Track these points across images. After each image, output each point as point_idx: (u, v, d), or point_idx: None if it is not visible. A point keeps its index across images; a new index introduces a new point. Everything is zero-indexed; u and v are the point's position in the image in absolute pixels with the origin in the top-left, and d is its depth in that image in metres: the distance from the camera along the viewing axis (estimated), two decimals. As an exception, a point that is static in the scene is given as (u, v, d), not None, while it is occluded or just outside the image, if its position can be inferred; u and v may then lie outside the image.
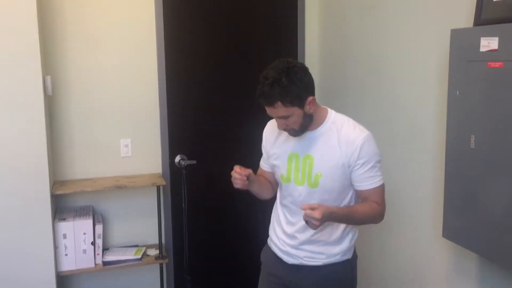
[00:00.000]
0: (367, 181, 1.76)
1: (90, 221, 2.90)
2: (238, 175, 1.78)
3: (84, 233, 2.89)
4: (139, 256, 3.05)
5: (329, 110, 1.84)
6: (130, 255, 3.05)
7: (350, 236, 1.90)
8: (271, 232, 2.01)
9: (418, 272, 2.51)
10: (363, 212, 1.78)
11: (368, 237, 2.91)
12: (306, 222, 1.61)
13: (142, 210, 3.22)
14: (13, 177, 2.64)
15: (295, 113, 1.67)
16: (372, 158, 1.75)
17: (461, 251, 2.14)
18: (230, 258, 3.48)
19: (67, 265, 2.88)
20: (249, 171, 1.82)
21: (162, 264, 3.18)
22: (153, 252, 3.13)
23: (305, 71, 1.69)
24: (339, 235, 1.86)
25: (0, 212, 2.64)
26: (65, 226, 2.84)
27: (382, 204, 1.81)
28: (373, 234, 2.87)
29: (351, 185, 1.80)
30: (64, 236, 2.85)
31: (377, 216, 1.82)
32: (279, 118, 1.70)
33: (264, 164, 2.01)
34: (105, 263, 2.98)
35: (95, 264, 2.95)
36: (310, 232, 1.81)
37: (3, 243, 2.67)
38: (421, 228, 2.44)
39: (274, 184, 2.02)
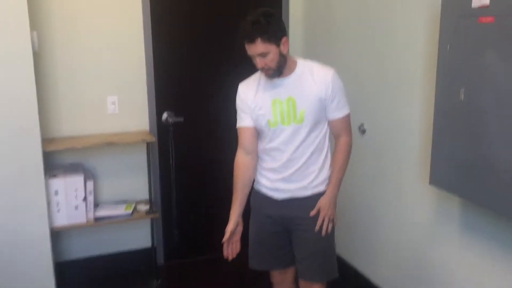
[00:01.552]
0: (339, 110, 2.05)
1: (81, 178, 2.93)
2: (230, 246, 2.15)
3: (76, 190, 2.92)
4: (130, 211, 3.11)
5: (297, 58, 2.09)
6: (121, 210, 3.11)
7: (328, 163, 2.12)
8: (258, 177, 2.17)
9: (403, 218, 2.67)
10: (340, 165, 2.11)
11: (355, 186, 3.05)
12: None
13: (131, 167, 3.26)
14: (4, 135, 2.64)
15: (272, 50, 1.92)
16: (340, 90, 2.05)
17: (445, 197, 2.30)
18: (217, 213, 3.56)
19: (60, 221, 2.92)
20: (228, 234, 2.11)
21: (152, 218, 3.25)
22: (143, 207, 3.20)
23: (279, 17, 2.02)
24: (320, 165, 2.09)
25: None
26: (56, 183, 2.86)
27: (349, 132, 2.13)
28: (360, 183, 3.02)
29: (325, 117, 2.07)
30: (56, 193, 2.87)
31: (348, 153, 2.13)
32: (258, 56, 1.93)
33: (244, 122, 2.10)
34: (97, 219, 3.03)
35: (87, 219, 2.99)
36: (295, 166, 2.05)
37: (-4, 200, 2.69)
38: (408, 176, 2.58)
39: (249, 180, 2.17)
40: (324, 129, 2.08)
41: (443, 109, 2.05)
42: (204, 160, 3.47)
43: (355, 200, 3.09)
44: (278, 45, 1.93)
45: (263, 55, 1.92)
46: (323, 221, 2.07)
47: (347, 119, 2.10)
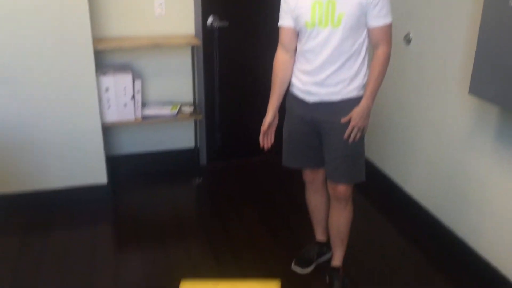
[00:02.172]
0: (380, 18, 1.99)
1: (130, 77, 3.07)
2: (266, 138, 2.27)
3: (125, 88, 3.07)
4: (175, 112, 3.26)
5: None
6: (167, 110, 3.26)
7: (363, 72, 2.09)
8: (292, 79, 2.22)
9: (439, 128, 2.70)
10: (376, 76, 2.06)
11: (396, 95, 3.07)
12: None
13: (176, 70, 3.36)
14: (57, 34, 2.76)
15: None
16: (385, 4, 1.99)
17: (484, 107, 2.30)
18: (259, 118, 3.69)
19: (110, 117, 3.11)
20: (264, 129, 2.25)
21: (196, 120, 3.40)
22: (188, 109, 3.34)
23: None
24: (354, 73, 2.06)
25: (47, 68, 2.81)
26: (107, 80, 3.02)
27: (389, 43, 2.05)
28: (402, 92, 3.03)
29: (365, 24, 2.02)
30: (107, 90, 3.04)
31: (386, 64, 2.07)
32: None
33: (285, 21, 2.13)
34: (144, 117, 3.20)
35: (135, 117, 3.17)
36: (328, 71, 2.06)
37: (54, 98, 2.89)
38: (448, 86, 2.58)
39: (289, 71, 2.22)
40: (362, 36, 2.04)
41: (491, 16, 2.00)
42: (248, 65, 3.53)
43: (394, 108, 3.11)
44: None
45: None
46: (352, 130, 2.09)
47: (387, 28, 2.03)
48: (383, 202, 3.20)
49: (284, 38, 2.15)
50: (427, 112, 2.79)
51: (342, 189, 2.20)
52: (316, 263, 2.55)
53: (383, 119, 3.23)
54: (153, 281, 2.45)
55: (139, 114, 3.18)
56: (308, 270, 2.52)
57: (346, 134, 2.09)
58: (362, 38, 2.04)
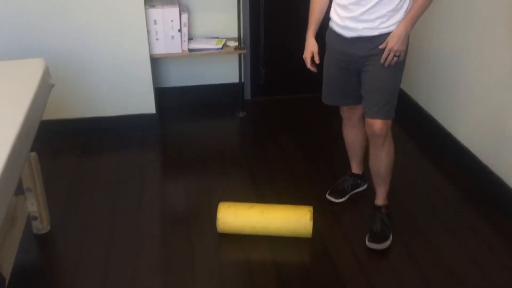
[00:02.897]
0: None
1: (177, 10, 3.16)
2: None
3: (172, 21, 3.16)
4: (220, 46, 3.34)
5: None
6: (212, 44, 3.35)
7: (404, 8, 2.03)
8: (331, 13, 2.20)
9: (487, 65, 2.66)
10: (422, 2, 1.97)
11: (441, 30, 3.01)
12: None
13: (222, 4, 3.41)
14: (108, -37, 2.87)
15: None
16: None
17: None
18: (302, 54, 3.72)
19: (158, 49, 3.23)
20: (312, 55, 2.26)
21: (240, 54, 3.48)
22: (233, 43, 3.41)
23: None
24: (393, 7, 2.01)
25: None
26: (155, 13, 3.12)
27: None
28: (446, 27, 2.97)
29: None
30: (155, 22, 3.14)
31: None
32: None
33: None
34: (191, 50, 3.30)
35: (182, 50, 3.28)
36: (365, 6, 2.02)
37: (106, 29, 3.03)
38: (494, 21, 2.51)
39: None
40: None
41: None
42: (293, 0, 3.52)
43: (438, 43, 3.07)
44: None
45: None
46: (388, 54, 2.05)
47: None
48: (423, 139, 3.22)
49: None
50: (474, 48, 2.73)
51: (378, 126, 2.18)
52: (350, 194, 2.64)
53: (426, 53, 3.18)
54: (194, 201, 2.63)
55: (185, 47, 3.28)
56: (341, 200, 2.62)
57: (382, 59, 2.06)
58: None
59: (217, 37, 3.47)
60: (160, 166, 3.02)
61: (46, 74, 2.08)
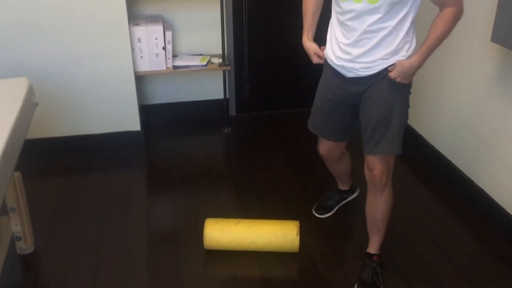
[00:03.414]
0: None
1: (161, 27, 3.17)
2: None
3: (156, 38, 3.18)
4: (205, 63, 3.36)
5: None
6: (197, 61, 3.37)
7: (406, 47, 1.86)
8: (327, 50, 2.02)
9: (462, 78, 2.71)
10: (439, 34, 1.79)
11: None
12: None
13: (206, 22, 3.44)
14: (92, -18, 2.88)
15: None
16: None
17: (507, 54, 2.30)
18: (288, 71, 3.76)
19: (143, 67, 3.24)
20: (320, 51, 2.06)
21: (225, 71, 3.50)
22: (217, 60, 3.43)
23: None
24: (393, 48, 1.83)
25: (84, 18, 2.94)
26: (139, 30, 3.13)
27: (457, 2, 1.75)
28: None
29: None
30: (139, 40, 3.16)
31: (452, 22, 1.78)
32: None
33: None
34: (175, 67, 3.32)
35: (167, 67, 3.29)
36: (364, 47, 1.84)
37: (90, 48, 3.03)
38: (469, 33, 2.57)
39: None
40: (405, 10, 1.77)
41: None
42: (276, 17, 3.57)
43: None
44: None
45: None
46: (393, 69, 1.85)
47: None
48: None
49: None
50: (449, 61, 2.79)
51: (378, 169, 1.96)
52: (336, 208, 2.65)
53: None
54: (181, 219, 2.62)
55: (170, 64, 3.30)
56: (326, 215, 2.62)
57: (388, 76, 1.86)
58: (404, 12, 1.78)
59: (202, 54, 3.49)
60: (146, 184, 3.01)
61: (30, 93, 2.07)
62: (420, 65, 1.83)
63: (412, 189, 2.89)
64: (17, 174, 2.18)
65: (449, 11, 1.75)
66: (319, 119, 2.20)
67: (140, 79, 3.46)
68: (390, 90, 1.89)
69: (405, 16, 1.79)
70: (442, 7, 1.78)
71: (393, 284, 2.16)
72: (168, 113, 3.66)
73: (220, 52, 3.47)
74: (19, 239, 2.27)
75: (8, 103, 1.91)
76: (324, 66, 2.10)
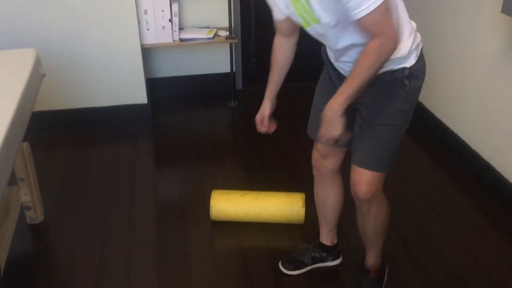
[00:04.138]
0: (355, 10, 1.42)
1: (167, -1, 3.15)
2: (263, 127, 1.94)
3: (162, 10, 3.16)
4: (211, 36, 3.34)
5: None
6: (203, 34, 3.35)
7: (414, 54, 1.61)
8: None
9: (472, 50, 2.68)
10: (357, 72, 1.52)
11: (428, 23, 3.03)
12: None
13: (213, -7, 3.42)
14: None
15: None
16: None
17: (517, 28, 2.27)
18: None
19: (149, 39, 3.23)
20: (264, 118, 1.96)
21: (231, 44, 3.48)
22: (224, 33, 3.41)
23: None
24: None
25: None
26: (145, 2, 3.11)
27: (381, 32, 1.46)
28: (433, 19, 2.99)
29: None
30: (145, 12, 3.14)
31: (373, 57, 1.49)
32: None
33: (276, 16, 1.84)
34: (182, 40, 3.30)
35: (173, 40, 3.28)
36: (346, 59, 1.66)
37: (96, 20, 3.02)
38: (480, 5, 2.54)
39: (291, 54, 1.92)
40: None
41: None
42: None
43: (423, 30, 3.09)
44: None
45: None
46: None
47: (369, 19, 1.42)
48: (412, 126, 3.24)
49: (281, 28, 1.85)
50: (459, 34, 2.76)
51: (363, 184, 1.69)
52: (311, 267, 2.12)
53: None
54: (188, 191, 2.65)
55: (176, 37, 3.28)
56: (295, 272, 2.10)
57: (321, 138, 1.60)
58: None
59: (208, 27, 3.47)
60: (153, 156, 3.03)
61: (37, 64, 2.08)
62: (339, 108, 1.51)
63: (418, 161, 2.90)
64: (26, 144, 2.20)
65: (369, 46, 1.48)
66: (318, 120, 1.71)
67: (147, 52, 3.45)
68: (384, 100, 1.64)
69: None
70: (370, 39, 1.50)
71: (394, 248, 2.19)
72: (175, 86, 3.66)
73: (227, 25, 3.44)
74: (28, 208, 2.30)
75: (16, 74, 1.92)
76: (324, 64, 1.89)
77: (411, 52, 1.59)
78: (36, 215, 2.35)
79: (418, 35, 1.64)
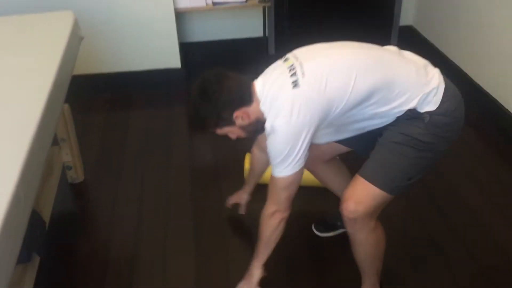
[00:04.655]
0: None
1: (201, -38, 3.13)
2: None
3: (196, -26, 3.14)
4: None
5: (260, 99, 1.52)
6: (237, -2, 3.33)
7: (398, 102, 1.46)
8: None
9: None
10: (262, 241, 1.67)
11: None
12: None
13: (246, -45, 3.37)
14: None
15: (231, 130, 1.59)
16: (269, 156, 1.52)
17: None
18: (329, 7, 3.67)
19: (182, 3, 3.23)
20: None
21: (264, 8, 3.44)
22: (257, -5, 3.38)
23: (221, 88, 1.52)
24: (386, 113, 1.49)
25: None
26: (179, -34, 3.10)
27: (271, 199, 1.61)
28: None
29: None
30: (179, -24, 3.13)
31: (265, 227, 1.64)
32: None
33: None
34: (215, 3, 3.29)
35: (206, 3, 3.26)
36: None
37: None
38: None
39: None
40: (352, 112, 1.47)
41: None
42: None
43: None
44: (232, 124, 1.55)
45: (227, 134, 1.61)
46: None
47: (271, 180, 1.56)
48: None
49: (262, 142, 1.88)
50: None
51: (352, 200, 1.51)
52: (342, 230, 2.06)
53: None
54: (222, 154, 2.68)
55: (209, 1, 3.27)
56: (328, 234, 2.11)
57: None
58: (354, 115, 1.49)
59: (242, -10, 3.44)
60: (187, 120, 3.07)
61: (76, 26, 2.11)
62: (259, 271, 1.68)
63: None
64: (66, 106, 2.26)
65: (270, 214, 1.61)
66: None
67: (180, 16, 3.45)
68: (404, 125, 1.50)
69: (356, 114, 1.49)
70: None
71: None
72: (208, 51, 3.66)
73: (260, -12, 3.40)
74: (69, 168, 2.38)
75: (56, 36, 1.96)
76: None
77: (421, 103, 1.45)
78: (76, 175, 2.44)
79: (433, 81, 1.48)
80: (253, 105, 1.52)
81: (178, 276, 1.96)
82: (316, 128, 1.45)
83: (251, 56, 3.67)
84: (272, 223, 1.61)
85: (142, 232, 2.17)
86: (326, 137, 1.73)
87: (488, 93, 2.88)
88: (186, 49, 3.58)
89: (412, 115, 1.47)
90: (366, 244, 1.61)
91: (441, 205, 2.27)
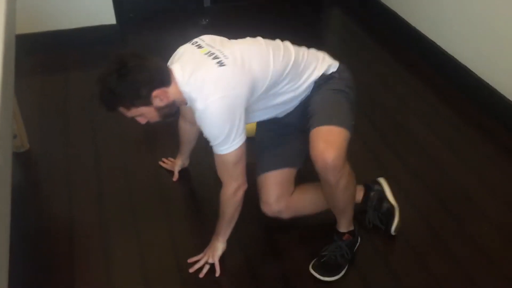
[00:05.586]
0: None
1: None
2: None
3: None
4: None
5: (180, 84, 1.55)
6: None
7: (307, 73, 1.72)
8: None
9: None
10: (225, 219, 1.72)
11: None
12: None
13: None
14: None
15: (147, 111, 1.56)
16: (208, 127, 1.53)
17: None
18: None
19: (114, -46, 3.03)
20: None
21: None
22: None
23: (142, 64, 1.52)
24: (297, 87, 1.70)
25: None
26: None
27: (225, 178, 1.64)
28: None
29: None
30: None
31: (225, 206, 1.68)
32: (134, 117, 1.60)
33: None
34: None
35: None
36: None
37: None
38: None
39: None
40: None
41: None
42: None
43: None
44: (149, 104, 1.53)
45: (139, 116, 1.58)
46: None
47: (219, 160, 1.59)
48: (386, 35, 3.30)
49: (186, 114, 1.93)
50: None
51: (331, 148, 1.53)
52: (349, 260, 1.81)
53: None
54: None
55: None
56: (335, 278, 1.76)
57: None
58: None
59: None
60: (97, 98, 2.94)
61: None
62: (217, 246, 1.76)
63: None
64: (5, 70, 2.09)
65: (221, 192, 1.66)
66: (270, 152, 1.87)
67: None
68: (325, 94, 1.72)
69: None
70: None
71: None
72: (142, 5, 3.50)
73: None
74: (14, 137, 2.24)
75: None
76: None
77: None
78: (21, 143, 2.30)
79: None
80: (172, 87, 1.55)
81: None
82: (247, 102, 1.54)
83: (188, 9, 3.58)
84: (235, 200, 1.65)
85: (104, 194, 2.12)
86: (262, 114, 1.78)
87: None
88: (120, 3, 3.39)
89: (326, 78, 1.72)
90: (350, 187, 1.67)
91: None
